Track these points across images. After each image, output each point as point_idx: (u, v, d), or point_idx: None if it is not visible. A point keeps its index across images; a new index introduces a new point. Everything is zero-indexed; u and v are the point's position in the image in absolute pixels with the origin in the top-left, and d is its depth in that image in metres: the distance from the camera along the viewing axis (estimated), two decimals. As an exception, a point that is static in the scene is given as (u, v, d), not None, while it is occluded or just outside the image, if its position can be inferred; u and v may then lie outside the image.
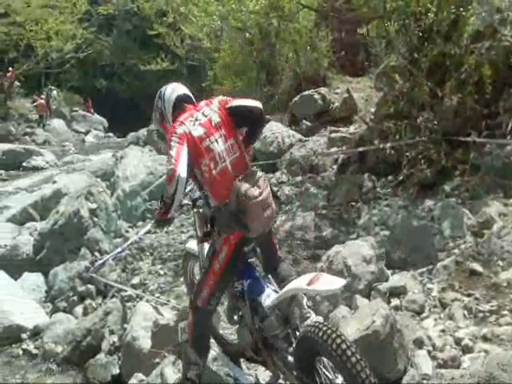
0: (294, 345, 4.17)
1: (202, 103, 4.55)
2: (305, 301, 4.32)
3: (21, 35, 32.70)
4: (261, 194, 4.05)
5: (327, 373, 3.83)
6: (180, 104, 4.62)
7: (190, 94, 4.74)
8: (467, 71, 8.52)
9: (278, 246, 4.84)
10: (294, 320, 4.27)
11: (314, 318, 4.28)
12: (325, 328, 3.68)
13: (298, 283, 3.99)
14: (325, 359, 3.83)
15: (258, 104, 4.52)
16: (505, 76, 8.37)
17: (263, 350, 4.47)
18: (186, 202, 4.95)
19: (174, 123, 4.46)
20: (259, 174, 4.23)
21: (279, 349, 4.34)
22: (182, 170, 4.05)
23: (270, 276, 4.73)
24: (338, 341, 3.54)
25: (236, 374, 5.02)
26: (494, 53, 8.42)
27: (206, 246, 5.00)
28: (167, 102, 4.66)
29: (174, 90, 4.70)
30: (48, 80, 40.69)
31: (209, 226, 4.52)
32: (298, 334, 4.19)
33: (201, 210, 4.84)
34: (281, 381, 4.63)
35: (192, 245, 5.42)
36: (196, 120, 4.35)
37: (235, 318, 4.78)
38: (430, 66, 9.11)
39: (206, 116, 4.38)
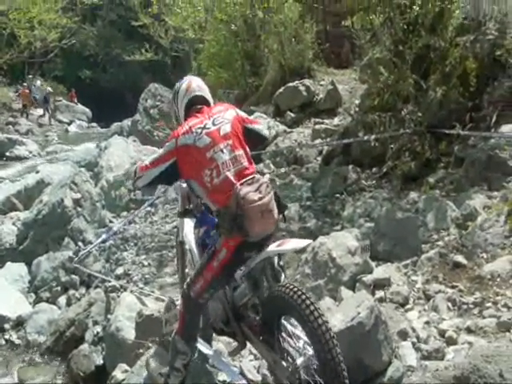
0: (261, 308, 4.32)
1: (216, 109, 4.50)
2: (276, 261, 4.36)
3: (4, 24, 32.42)
4: (261, 198, 4.00)
5: (292, 332, 4.09)
6: (193, 104, 4.61)
7: (205, 94, 4.70)
8: (452, 64, 8.56)
9: None
10: (262, 288, 4.32)
11: (283, 278, 4.39)
12: (295, 288, 3.83)
13: (270, 247, 4.16)
14: (288, 321, 4.11)
15: (267, 131, 4.63)
16: (489, 69, 8.41)
17: (232, 320, 4.59)
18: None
19: (184, 123, 4.48)
20: (263, 179, 4.18)
21: (247, 317, 4.50)
22: (145, 177, 4.49)
23: None
24: (307, 302, 3.70)
25: (220, 366, 5.02)
26: (478, 46, 8.45)
27: (187, 221, 5.12)
28: (181, 102, 4.68)
29: (188, 90, 4.66)
30: (31, 69, 40.44)
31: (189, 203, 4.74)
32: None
33: (184, 185, 4.83)
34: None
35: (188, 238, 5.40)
36: (204, 128, 4.32)
37: None
38: (415, 58, 9.15)
39: (215, 125, 4.34)
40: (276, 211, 4.14)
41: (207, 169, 4.22)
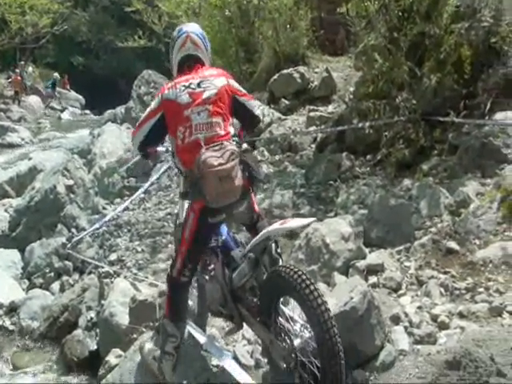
0: (259, 290, 4.36)
1: (207, 72, 4.54)
2: (274, 247, 4.42)
3: (-6, 9, 32.19)
4: (221, 164, 4.02)
5: (289, 315, 4.16)
6: (187, 61, 4.63)
7: (200, 53, 4.68)
8: (446, 51, 8.53)
9: (256, 203, 4.85)
10: (262, 269, 4.37)
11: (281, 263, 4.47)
12: (295, 268, 3.88)
13: (272, 226, 4.17)
14: (285, 305, 4.20)
15: (260, 113, 4.66)
16: (484, 56, 8.41)
17: (230, 301, 4.62)
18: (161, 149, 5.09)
19: (171, 80, 4.58)
20: (230, 147, 4.18)
21: (245, 299, 4.53)
22: (137, 137, 4.61)
23: (242, 241, 4.88)
24: (307, 282, 3.73)
25: (213, 351, 5.04)
26: (473, 33, 8.43)
27: (187, 203, 5.11)
28: (174, 57, 4.72)
29: (183, 47, 4.65)
30: (23, 56, 40.17)
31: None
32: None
33: None
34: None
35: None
36: (188, 87, 4.37)
37: (206, 277, 4.96)
38: (410, 45, 9.11)
39: (200, 87, 4.38)
40: (239, 180, 4.13)
41: (182, 126, 4.32)
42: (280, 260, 4.46)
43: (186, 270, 4.55)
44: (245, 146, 4.43)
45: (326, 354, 3.63)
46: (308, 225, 4.22)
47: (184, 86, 4.39)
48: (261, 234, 4.22)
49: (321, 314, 3.62)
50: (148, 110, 4.55)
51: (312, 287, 3.70)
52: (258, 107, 4.94)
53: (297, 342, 4.00)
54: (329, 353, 3.61)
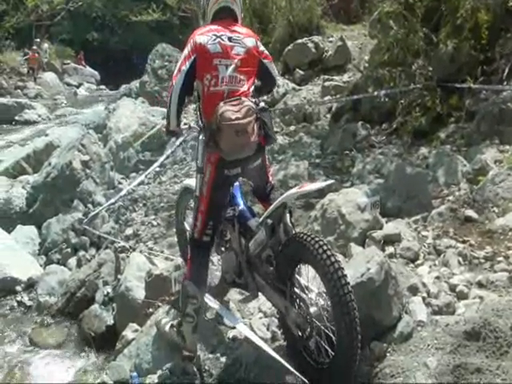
0: (274, 259, 4.40)
1: (239, 29, 4.52)
2: (288, 217, 4.41)
3: (9, -13, 32.17)
4: (238, 118, 4.09)
5: (304, 285, 4.24)
6: (222, 13, 4.56)
7: (236, 8, 4.61)
8: (463, 16, 8.38)
9: (271, 173, 4.94)
10: (278, 236, 4.36)
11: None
12: (313, 235, 3.95)
13: (289, 191, 4.25)
14: (301, 275, 4.27)
15: (277, 75, 4.99)
16: (501, 21, 8.25)
17: (246, 270, 4.71)
18: (193, 124, 4.86)
19: (203, 26, 4.59)
20: (247, 103, 4.24)
21: (261, 267, 4.57)
22: (178, 81, 4.34)
23: (259, 212, 5.02)
24: (325, 247, 3.81)
25: (229, 320, 5.03)
26: (490, -3, 8.28)
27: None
28: (210, 9, 4.62)
29: None
30: (39, 33, 40.14)
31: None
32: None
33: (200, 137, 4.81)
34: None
35: (191, 181, 5.41)
36: (219, 37, 4.36)
37: (222, 248, 5.09)
38: (426, 11, 8.97)
39: (230, 42, 4.39)
40: (255, 135, 4.21)
41: (209, 74, 4.33)
42: (293, 231, 4.43)
43: (208, 229, 4.64)
44: (262, 104, 4.41)
45: (342, 319, 3.68)
46: (325, 187, 4.23)
47: (216, 35, 4.36)
48: (278, 200, 4.27)
49: (338, 279, 3.68)
50: (182, 55, 4.45)
51: (329, 252, 3.76)
52: (276, 70, 4.98)
53: (312, 309, 4.06)
54: (346, 317, 3.66)
